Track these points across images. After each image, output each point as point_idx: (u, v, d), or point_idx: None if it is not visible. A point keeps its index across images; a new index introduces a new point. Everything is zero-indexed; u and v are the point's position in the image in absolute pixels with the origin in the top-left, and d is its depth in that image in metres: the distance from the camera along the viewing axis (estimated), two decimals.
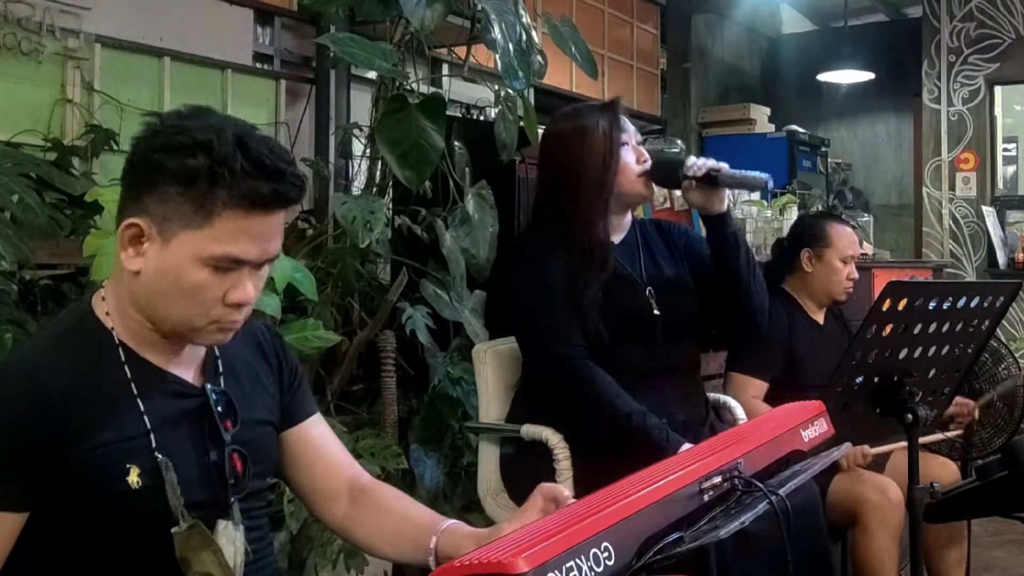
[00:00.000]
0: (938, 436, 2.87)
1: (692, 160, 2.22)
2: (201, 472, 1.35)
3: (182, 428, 1.35)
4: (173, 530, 1.28)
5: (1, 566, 1.25)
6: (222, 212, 1.24)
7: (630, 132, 2.27)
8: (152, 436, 1.30)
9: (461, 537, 1.40)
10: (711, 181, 2.20)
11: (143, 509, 1.28)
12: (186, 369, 1.39)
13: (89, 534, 1.29)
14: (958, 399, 3.08)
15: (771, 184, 2.28)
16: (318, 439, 1.55)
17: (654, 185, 2.30)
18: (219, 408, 1.37)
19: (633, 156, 2.25)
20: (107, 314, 1.34)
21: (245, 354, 1.48)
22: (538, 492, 1.34)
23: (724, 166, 2.20)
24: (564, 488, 1.34)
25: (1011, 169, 7.21)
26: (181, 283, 1.27)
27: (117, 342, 1.33)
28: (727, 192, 2.27)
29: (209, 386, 1.38)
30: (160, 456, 1.29)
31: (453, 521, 1.44)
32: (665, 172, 2.27)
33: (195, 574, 1.29)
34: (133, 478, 1.27)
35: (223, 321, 1.31)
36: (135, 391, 1.31)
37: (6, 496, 1.24)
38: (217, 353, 1.42)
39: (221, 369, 1.42)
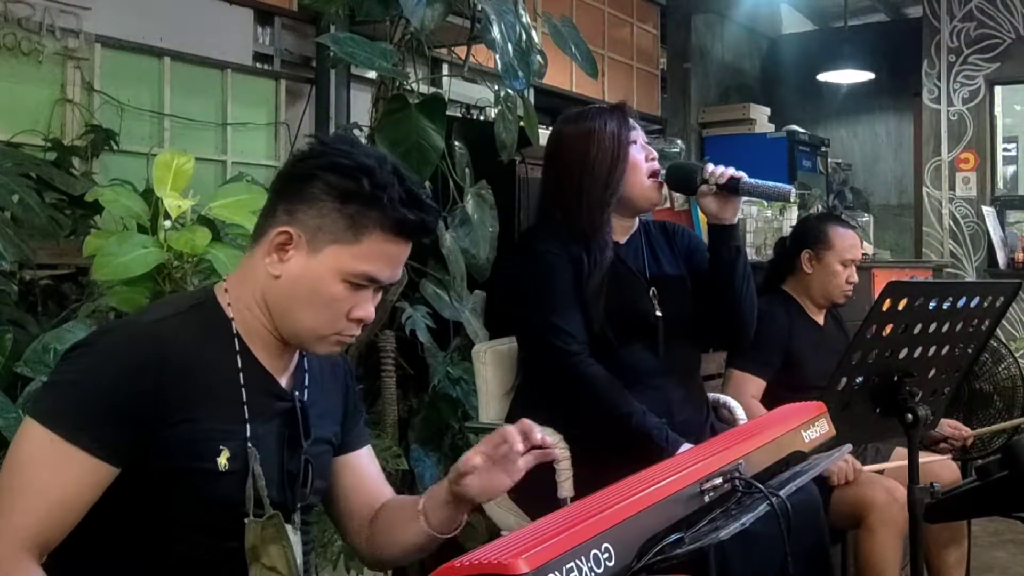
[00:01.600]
0: (933, 458, 2.86)
1: (712, 166, 2.21)
2: (277, 474, 1.41)
3: (270, 427, 1.41)
4: (247, 519, 1.34)
5: (80, 516, 1.29)
6: (372, 233, 1.35)
7: (639, 132, 2.28)
8: (248, 426, 1.36)
9: (437, 489, 1.48)
10: (732, 189, 2.19)
11: (224, 492, 1.34)
12: (281, 374, 1.45)
13: (164, 508, 1.33)
14: (953, 423, 3.08)
15: (793, 195, 2.26)
16: (364, 469, 1.61)
17: (668, 191, 2.31)
18: (303, 417, 1.44)
19: (642, 155, 2.25)
20: (228, 305, 1.41)
21: (326, 374, 1.55)
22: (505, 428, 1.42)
23: (744, 175, 2.20)
24: (535, 427, 1.42)
25: (1011, 169, 7.20)
26: (318, 293, 1.36)
27: (235, 332, 1.40)
28: (741, 203, 2.26)
29: (297, 394, 1.45)
30: (250, 445, 1.35)
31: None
32: (682, 176, 2.27)
33: (260, 566, 1.35)
34: (223, 460, 1.33)
35: (343, 334, 1.40)
36: (241, 380, 1.38)
37: (106, 443, 1.28)
38: (306, 367, 1.49)
39: (307, 383, 1.49)
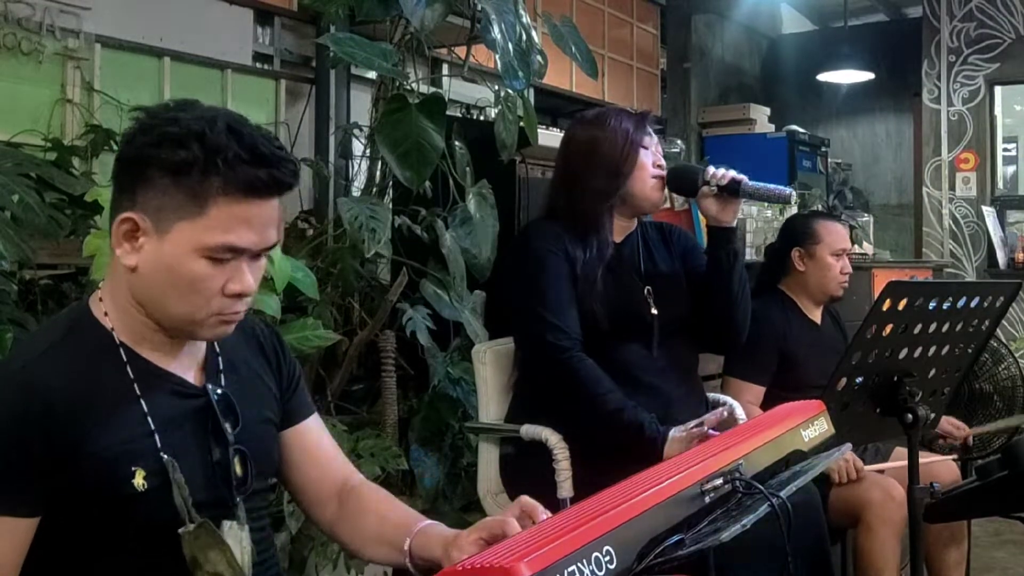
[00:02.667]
0: (934, 458, 2.86)
1: (713, 168, 2.22)
2: (205, 473, 1.34)
3: (185, 429, 1.34)
4: (181, 530, 1.28)
5: (18, 572, 1.24)
6: (217, 200, 1.24)
7: (653, 139, 2.29)
8: (156, 436, 1.30)
9: (431, 538, 1.38)
10: (733, 191, 2.20)
11: (149, 511, 1.28)
12: (186, 369, 1.38)
13: (96, 538, 1.28)
14: (952, 421, 3.08)
15: (793, 198, 2.26)
16: (314, 440, 1.54)
17: (669, 191, 2.32)
18: (221, 408, 1.36)
19: (651, 159, 2.26)
20: (105, 315, 1.33)
21: (245, 353, 1.47)
22: (517, 503, 1.32)
23: (745, 177, 2.21)
24: (540, 509, 1.30)
25: (1011, 169, 7.20)
26: (179, 275, 1.26)
27: (117, 343, 1.32)
28: (741, 206, 2.27)
29: (210, 386, 1.37)
30: (165, 456, 1.28)
31: (428, 522, 1.43)
32: (683, 178, 2.28)
33: (205, 574, 1.28)
34: (139, 480, 1.27)
35: (224, 313, 1.30)
36: (137, 392, 1.30)
37: (14, 502, 1.23)
38: (218, 351, 1.41)
39: (221, 368, 1.41)
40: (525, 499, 1.32)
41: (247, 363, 1.46)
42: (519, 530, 1.25)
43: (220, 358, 1.42)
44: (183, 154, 1.23)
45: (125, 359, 1.31)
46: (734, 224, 2.26)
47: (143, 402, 1.30)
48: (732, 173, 2.21)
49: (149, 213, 1.25)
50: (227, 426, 1.36)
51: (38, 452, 1.23)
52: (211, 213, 1.24)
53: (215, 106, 1.33)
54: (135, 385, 1.31)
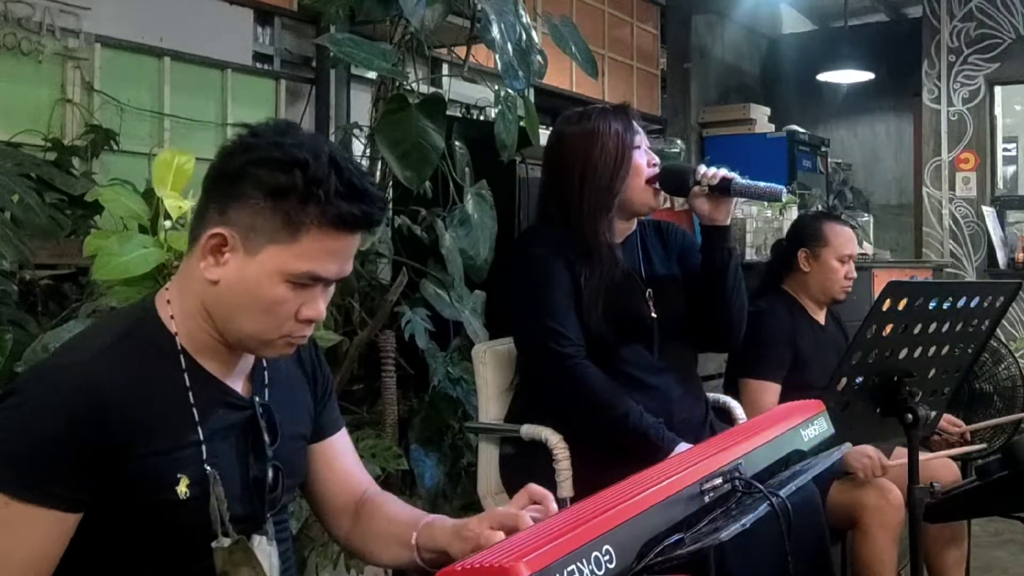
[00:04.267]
0: (947, 452, 2.87)
1: (704, 168, 2.21)
2: (243, 486, 1.35)
3: (230, 440, 1.35)
4: (214, 544, 1.28)
5: (55, 565, 1.25)
6: (311, 230, 1.26)
7: (642, 136, 2.27)
8: (204, 447, 1.30)
9: (436, 529, 1.40)
10: (724, 190, 2.19)
11: (187, 520, 1.28)
12: (237, 380, 1.39)
13: (131, 541, 1.29)
14: (951, 418, 3.08)
15: (784, 196, 2.26)
16: (339, 454, 1.56)
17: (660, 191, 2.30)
18: (264, 422, 1.38)
19: (645, 159, 2.25)
20: (171, 318, 1.34)
21: (287, 365, 1.48)
22: (525, 491, 1.33)
23: (736, 176, 2.20)
24: (550, 497, 1.30)
25: (1011, 169, 7.20)
26: (259, 296, 1.28)
27: (179, 348, 1.33)
28: (733, 205, 2.26)
29: (257, 399, 1.39)
30: (209, 468, 1.29)
31: (434, 516, 1.44)
32: (674, 178, 2.26)
33: None
34: (182, 488, 1.27)
35: (293, 336, 1.32)
36: (191, 400, 1.31)
37: (58, 497, 1.23)
38: (265, 364, 1.43)
39: (267, 381, 1.42)
40: (533, 487, 1.32)
41: (288, 376, 1.48)
42: (531, 524, 1.25)
43: (266, 372, 1.43)
44: (285, 179, 1.25)
45: (184, 366, 1.32)
46: (727, 223, 2.25)
47: (196, 411, 1.31)
48: (723, 172, 2.20)
49: (240, 231, 1.27)
50: (267, 440, 1.38)
51: (88, 450, 1.23)
52: (303, 241, 1.26)
53: (317, 135, 1.36)
54: (190, 394, 1.32)
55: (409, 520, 1.45)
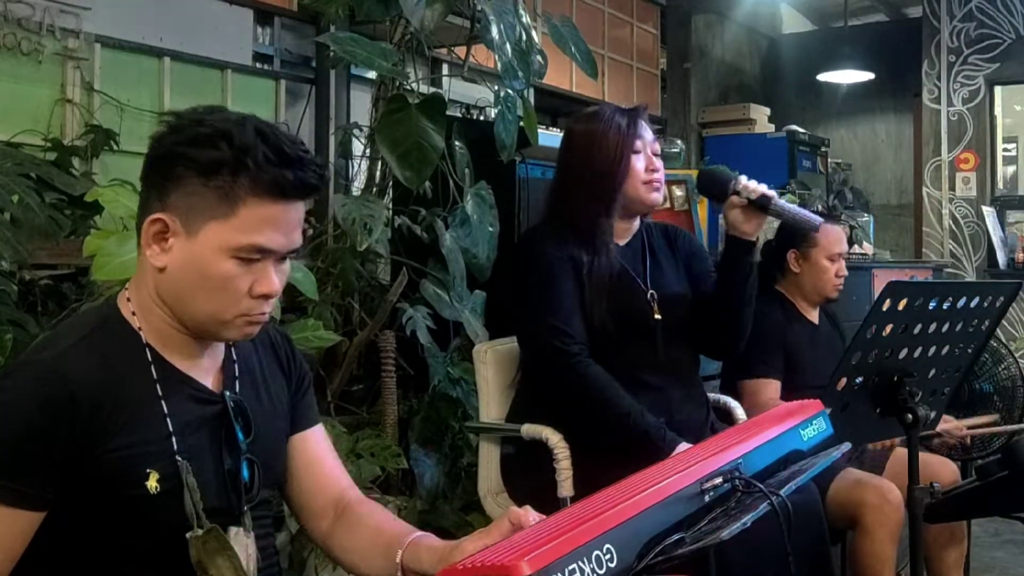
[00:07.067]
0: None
1: (746, 180, 2.20)
2: (217, 479, 1.34)
3: (201, 434, 1.34)
4: (189, 534, 1.28)
5: (14, 564, 1.24)
6: (247, 201, 1.25)
7: (647, 140, 2.27)
8: (174, 439, 1.30)
9: (423, 550, 1.37)
10: (762, 207, 2.18)
11: (160, 514, 1.28)
12: (205, 374, 1.38)
13: (103, 537, 1.28)
14: (949, 419, 3.08)
15: (820, 226, 2.25)
16: (315, 451, 1.54)
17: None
18: (235, 415, 1.37)
19: (643, 163, 2.25)
20: (133, 314, 1.34)
21: (260, 359, 1.48)
22: (507, 515, 1.29)
23: (775, 195, 2.19)
24: (532, 515, 1.27)
25: (1011, 169, 7.20)
26: (208, 275, 1.27)
27: (144, 343, 1.33)
28: (764, 222, 2.25)
29: (228, 393, 1.38)
30: (180, 459, 1.29)
31: (421, 533, 1.42)
32: (714, 184, 2.25)
33: None
34: (152, 483, 1.27)
35: (251, 314, 1.31)
36: (160, 393, 1.31)
37: (24, 494, 1.23)
38: (235, 357, 1.42)
39: (238, 374, 1.42)
40: (514, 511, 1.29)
41: (262, 370, 1.47)
42: (535, 523, 1.22)
43: (237, 364, 1.42)
44: (213, 153, 1.25)
45: (150, 360, 1.32)
46: (755, 239, 2.25)
47: (164, 404, 1.31)
48: (763, 188, 2.19)
49: (179, 214, 1.27)
50: (240, 434, 1.37)
51: (60, 444, 1.23)
52: (241, 213, 1.25)
53: (243, 113, 1.34)
54: (158, 386, 1.31)
55: (396, 534, 1.43)
